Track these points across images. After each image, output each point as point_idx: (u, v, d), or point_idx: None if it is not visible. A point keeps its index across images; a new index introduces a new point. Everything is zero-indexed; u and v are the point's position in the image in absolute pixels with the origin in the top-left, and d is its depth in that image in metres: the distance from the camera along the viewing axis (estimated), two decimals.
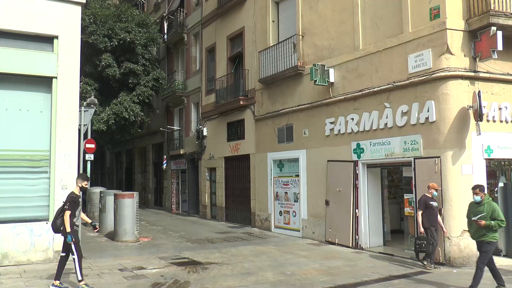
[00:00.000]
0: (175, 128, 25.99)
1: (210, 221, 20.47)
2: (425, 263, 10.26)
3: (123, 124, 22.45)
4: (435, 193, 10.33)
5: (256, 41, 17.78)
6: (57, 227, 8.19)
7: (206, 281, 8.93)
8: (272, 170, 16.66)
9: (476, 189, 8.24)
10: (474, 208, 8.26)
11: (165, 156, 26.32)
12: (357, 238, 12.76)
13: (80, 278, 8.11)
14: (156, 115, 27.29)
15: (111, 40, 21.57)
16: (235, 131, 19.45)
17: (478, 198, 8.17)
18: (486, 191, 8.28)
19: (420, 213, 10.23)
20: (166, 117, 26.99)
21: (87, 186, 8.70)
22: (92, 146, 18.03)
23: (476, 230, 8.14)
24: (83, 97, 19.27)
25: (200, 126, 22.07)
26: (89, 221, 9.04)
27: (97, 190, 18.31)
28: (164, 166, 26.17)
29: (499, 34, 10.18)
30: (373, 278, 9.32)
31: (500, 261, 10.64)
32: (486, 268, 8.13)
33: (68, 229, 7.95)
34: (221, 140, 20.39)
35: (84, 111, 16.19)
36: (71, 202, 8.13)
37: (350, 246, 12.79)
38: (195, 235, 15.64)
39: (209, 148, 21.56)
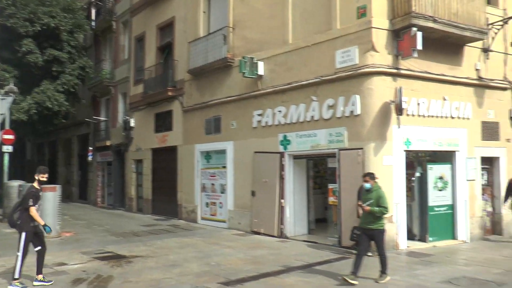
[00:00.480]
0: (102, 119, 25.13)
1: (136, 214, 20.03)
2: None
3: (46, 114, 21.38)
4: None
5: (186, 31, 17.55)
6: (14, 222, 7.95)
7: (130, 275, 8.72)
8: (199, 161, 16.55)
9: (366, 176, 8.47)
10: (364, 195, 8.46)
11: (90, 148, 25.35)
12: (282, 227, 12.97)
13: (17, 276, 7.79)
14: (82, 105, 26.21)
15: (33, 24, 20.38)
16: (163, 122, 19.12)
17: (368, 185, 8.37)
18: (375, 179, 8.50)
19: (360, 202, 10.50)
20: (92, 108, 25.99)
21: (44, 179, 8.22)
22: (11, 137, 17.11)
23: (365, 217, 8.32)
24: (0, 84, 18.18)
25: (128, 117, 21.48)
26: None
27: (15, 183, 17.17)
28: (90, 158, 25.26)
29: (419, 34, 10.67)
30: (297, 265, 9.54)
31: (413, 245, 11.36)
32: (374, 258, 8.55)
33: (42, 222, 7.91)
34: (148, 131, 19.97)
35: (1, 99, 15.24)
36: (33, 197, 7.91)
37: (276, 235, 12.98)
38: (120, 229, 15.23)
39: (136, 139, 21.05)
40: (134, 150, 21.21)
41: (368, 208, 8.14)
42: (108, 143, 23.53)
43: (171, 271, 9.03)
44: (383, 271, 8.27)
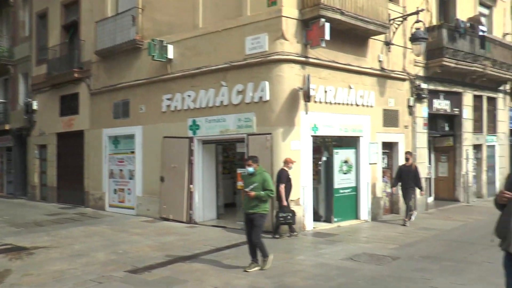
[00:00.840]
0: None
1: (40, 203, 18.96)
2: (277, 236, 10.71)
3: None
4: (291, 167, 10.82)
5: (93, 10, 16.70)
6: None
7: (31, 267, 8.24)
8: (107, 146, 15.99)
9: (249, 160, 8.19)
10: (247, 179, 8.13)
11: None
12: (191, 213, 12.92)
13: None
14: None
15: None
16: (69, 106, 18.15)
17: (251, 169, 8.03)
18: (258, 162, 8.19)
19: (283, 186, 10.57)
20: None
21: None
22: None
23: (248, 201, 7.97)
24: None
25: (30, 99, 20.14)
26: None
27: None
28: None
29: (327, 25, 10.94)
30: (205, 250, 9.55)
31: (319, 226, 11.83)
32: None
33: None
34: (53, 115, 18.89)
35: None
36: None
37: (185, 221, 12.90)
38: (21, 219, 14.34)
39: (39, 123, 19.84)
40: (37, 135, 20.00)
41: (253, 193, 7.79)
42: (7, 127, 22.00)
43: (76, 261, 8.65)
44: (264, 256, 7.92)
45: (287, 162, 10.77)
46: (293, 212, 10.74)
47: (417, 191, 13.18)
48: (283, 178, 10.62)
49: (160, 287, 7.03)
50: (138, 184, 14.72)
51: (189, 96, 12.96)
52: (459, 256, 8.84)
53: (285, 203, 10.57)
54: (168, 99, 13.58)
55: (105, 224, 13.10)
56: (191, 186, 12.95)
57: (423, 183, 13.78)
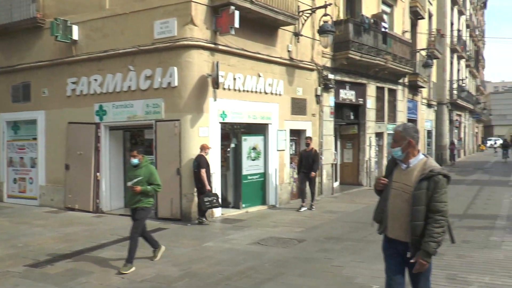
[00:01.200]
0: None
1: None
2: (204, 219, 10.83)
3: None
4: (208, 152, 10.88)
5: None
6: None
7: None
8: (5, 132, 14.91)
9: (133, 151, 7.55)
10: (131, 172, 7.54)
11: None
12: (98, 202, 12.51)
13: None
14: None
15: None
16: None
17: (135, 161, 7.43)
18: (143, 154, 7.65)
19: (203, 171, 10.61)
20: None
21: None
22: None
23: (132, 196, 7.43)
24: None
25: None
26: None
27: None
28: None
29: (237, 13, 11.01)
30: (112, 240, 9.31)
31: (228, 212, 11.99)
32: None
33: None
34: None
35: None
36: None
37: (91, 210, 12.47)
38: None
39: None
40: None
41: (139, 188, 7.21)
42: None
43: None
44: (129, 260, 7.19)
45: (204, 148, 10.87)
46: (217, 196, 10.93)
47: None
48: (203, 163, 10.73)
49: (63, 280, 6.72)
50: (41, 172, 13.94)
51: (95, 80, 12.46)
52: (359, 236, 9.43)
53: (208, 187, 10.72)
54: (73, 82, 12.96)
55: (3, 216, 12.25)
56: (98, 174, 12.52)
57: (319, 167, 14.24)
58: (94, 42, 12.51)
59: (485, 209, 13.09)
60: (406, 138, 4.12)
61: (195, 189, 10.96)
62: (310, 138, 13.55)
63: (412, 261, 4.00)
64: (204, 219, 10.84)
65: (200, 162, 10.69)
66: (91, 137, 12.54)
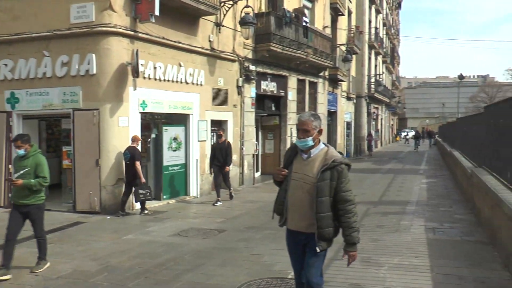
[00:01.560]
0: None
1: None
2: (146, 211, 10.79)
3: None
4: (139, 143, 10.80)
5: None
6: None
7: None
8: None
9: (17, 141, 6.51)
10: (17, 164, 6.61)
11: None
12: (10, 196, 11.85)
13: None
14: None
15: None
16: None
17: (21, 151, 6.49)
18: (30, 142, 6.64)
19: (138, 163, 10.47)
20: None
21: None
22: None
23: (18, 191, 6.46)
24: None
25: None
26: None
27: None
28: None
29: (157, 0, 10.83)
30: (26, 235, 8.63)
31: (149, 204, 11.77)
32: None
33: None
34: None
35: None
36: None
37: (2, 205, 11.83)
38: None
39: None
40: None
41: (20, 181, 6.30)
42: None
43: None
44: (42, 257, 6.73)
45: (135, 139, 10.79)
46: (150, 188, 10.96)
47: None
48: (137, 155, 10.62)
49: None
50: None
51: (5, 65, 11.74)
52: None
53: (143, 180, 10.67)
54: None
55: None
56: (10, 166, 11.86)
57: (233, 160, 14.11)
58: (4, 23, 11.72)
59: (398, 195, 13.97)
60: (317, 127, 4.01)
61: (116, 180, 10.79)
62: (222, 129, 13.46)
63: (318, 251, 3.96)
64: (146, 210, 10.92)
65: (135, 154, 10.59)
66: (2, 126, 11.84)
